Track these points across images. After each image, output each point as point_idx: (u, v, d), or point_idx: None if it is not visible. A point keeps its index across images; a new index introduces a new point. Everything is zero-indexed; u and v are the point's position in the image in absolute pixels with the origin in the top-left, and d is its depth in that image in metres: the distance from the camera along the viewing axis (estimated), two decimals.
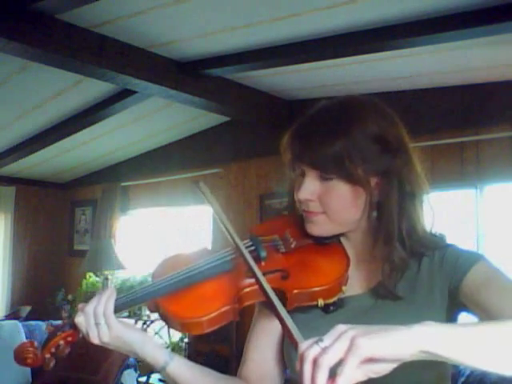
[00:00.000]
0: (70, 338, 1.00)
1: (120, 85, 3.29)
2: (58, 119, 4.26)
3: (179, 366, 1.01)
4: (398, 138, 1.00)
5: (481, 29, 2.42)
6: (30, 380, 3.84)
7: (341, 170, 0.96)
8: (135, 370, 4.00)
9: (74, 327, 1.00)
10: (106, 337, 0.97)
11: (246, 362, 1.11)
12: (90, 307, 0.98)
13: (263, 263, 1.00)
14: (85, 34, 2.83)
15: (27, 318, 4.93)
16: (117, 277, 5.16)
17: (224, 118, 4.42)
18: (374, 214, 1.01)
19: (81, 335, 1.00)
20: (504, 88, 3.20)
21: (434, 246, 1.01)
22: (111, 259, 4.83)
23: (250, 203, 4.49)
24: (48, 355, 0.98)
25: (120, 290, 5.18)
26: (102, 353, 3.78)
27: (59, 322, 1.00)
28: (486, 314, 0.89)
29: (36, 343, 0.98)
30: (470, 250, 1.02)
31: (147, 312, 5.04)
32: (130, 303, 1.02)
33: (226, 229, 0.99)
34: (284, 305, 0.94)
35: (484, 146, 3.32)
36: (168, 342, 4.82)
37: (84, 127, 4.28)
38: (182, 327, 0.99)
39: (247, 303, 0.98)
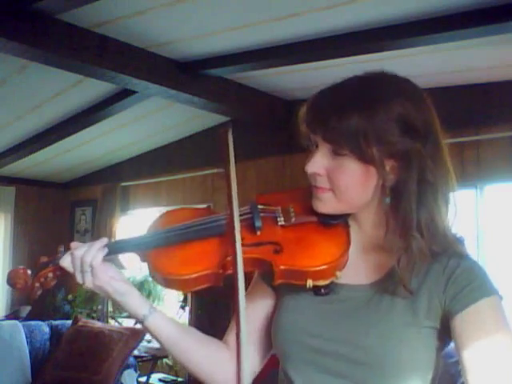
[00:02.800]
0: (58, 272, 1.04)
1: (120, 85, 3.29)
2: (58, 119, 4.26)
3: (157, 322, 1.03)
4: (426, 125, 0.93)
5: (481, 29, 2.41)
6: (30, 380, 3.83)
7: (353, 147, 0.90)
8: (135, 370, 4.00)
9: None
10: (89, 283, 1.01)
11: (233, 330, 1.10)
12: (78, 252, 1.00)
13: (258, 233, 0.99)
14: (85, 33, 2.83)
15: (27, 318, 4.93)
16: None
17: (224, 118, 4.42)
18: (387, 200, 0.94)
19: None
20: (504, 88, 3.20)
21: (451, 251, 0.92)
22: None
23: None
24: (37, 284, 1.03)
25: None
26: (102, 353, 3.78)
27: (60, 253, 1.05)
28: (459, 358, 0.88)
29: (29, 271, 1.02)
30: (484, 277, 0.92)
31: None
32: (120, 250, 1.04)
33: (229, 191, 0.97)
34: (272, 279, 0.95)
35: (484, 145, 3.32)
36: None
37: (84, 127, 4.28)
38: (165, 282, 1.00)
39: (230, 271, 0.95)
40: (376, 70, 0.98)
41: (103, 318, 5.19)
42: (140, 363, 4.27)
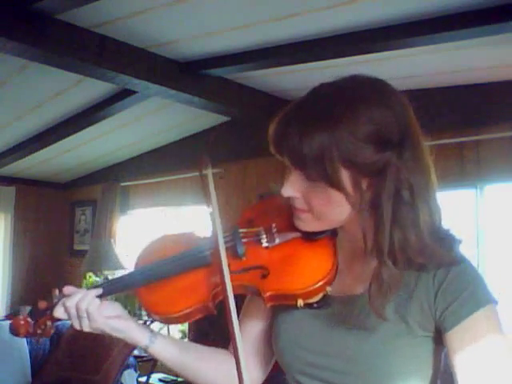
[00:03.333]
0: (55, 320, 1.05)
1: (120, 85, 3.29)
2: (58, 119, 4.26)
3: (159, 349, 1.04)
4: (402, 131, 0.86)
5: (481, 29, 2.41)
6: (30, 380, 3.83)
7: (320, 171, 0.85)
8: (135, 370, 4.00)
9: None
10: (86, 327, 1.01)
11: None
12: (71, 302, 1.00)
13: (243, 258, 0.97)
14: (85, 33, 2.83)
15: None
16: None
17: (224, 118, 4.42)
18: (366, 214, 0.89)
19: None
20: (504, 88, 3.20)
21: (438, 260, 0.88)
22: (111, 259, 4.83)
23: (250, 203, 4.48)
24: (39, 331, 1.05)
25: None
26: (102, 353, 3.78)
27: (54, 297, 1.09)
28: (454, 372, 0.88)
29: (29, 319, 1.04)
30: (475, 283, 0.88)
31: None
32: (110, 292, 1.05)
33: (213, 221, 0.94)
34: (262, 303, 0.95)
35: (484, 145, 3.32)
36: None
37: (84, 127, 4.27)
38: (159, 319, 1.01)
39: (221, 298, 0.95)
40: (346, 76, 0.92)
41: None
42: (140, 363, 4.27)
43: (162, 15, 2.67)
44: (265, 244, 0.99)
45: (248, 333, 1.09)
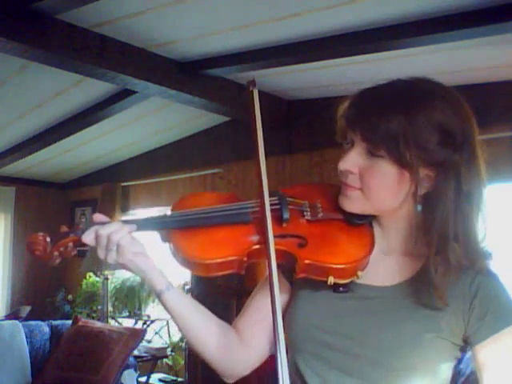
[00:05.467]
0: (79, 244, 1.01)
1: (120, 85, 3.29)
2: (58, 119, 4.26)
3: (171, 299, 1.03)
4: (465, 133, 0.93)
5: (481, 29, 2.41)
6: (30, 380, 3.83)
7: (391, 149, 0.89)
8: (135, 370, 3.99)
9: None
10: (112, 260, 0.99)
11: (243, 315, 1.12)
12: (105, 231, 0.97)
13: (284, 225, 0.98)
14: (85, 33, 2.83)
15: (27, 318, 4.92)
16: (117, 277, 5.16)
17: (224, 118, 4.42)
18: (419, 207, 0.94)
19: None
20: (504, 88, 3.20)
21: (478, 266, 0.93)
22: None
23: None
24: (56, 253, 0.98)
25: (120, 290, 5.18)
26: (102, 353, 3.78)
27: (79, 224, 1.02)
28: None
29: (48, 238, 0.98)
30: (508, 300, 0.93)
31: (147, 312, 5.05)
32: (145, 228, 1.02)
33: (260, 175, 0.96)
34: (294, 272, 0.95)
35: (484, 146, 3.31)
36: (168, 341, 4.83)
37: (84, 127, 4.27)
38: (187, 264, 0.98)
39: (255, 260, 0.96)
40: (421, 76, 0.99)
41: (103, 318, 5.18)
42: (140, 363, 4.27)
43: (161, 15, 2.67)
44: (307, 217, 1.00)
45: (264, 310, 1.08)
